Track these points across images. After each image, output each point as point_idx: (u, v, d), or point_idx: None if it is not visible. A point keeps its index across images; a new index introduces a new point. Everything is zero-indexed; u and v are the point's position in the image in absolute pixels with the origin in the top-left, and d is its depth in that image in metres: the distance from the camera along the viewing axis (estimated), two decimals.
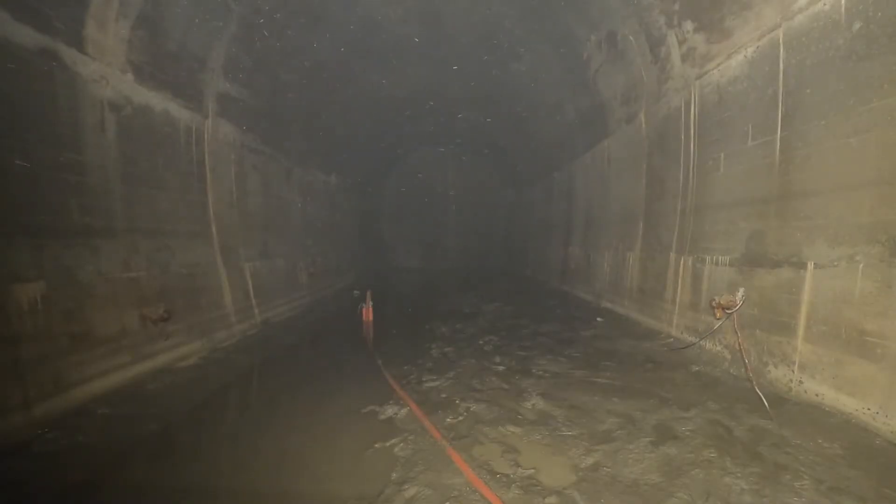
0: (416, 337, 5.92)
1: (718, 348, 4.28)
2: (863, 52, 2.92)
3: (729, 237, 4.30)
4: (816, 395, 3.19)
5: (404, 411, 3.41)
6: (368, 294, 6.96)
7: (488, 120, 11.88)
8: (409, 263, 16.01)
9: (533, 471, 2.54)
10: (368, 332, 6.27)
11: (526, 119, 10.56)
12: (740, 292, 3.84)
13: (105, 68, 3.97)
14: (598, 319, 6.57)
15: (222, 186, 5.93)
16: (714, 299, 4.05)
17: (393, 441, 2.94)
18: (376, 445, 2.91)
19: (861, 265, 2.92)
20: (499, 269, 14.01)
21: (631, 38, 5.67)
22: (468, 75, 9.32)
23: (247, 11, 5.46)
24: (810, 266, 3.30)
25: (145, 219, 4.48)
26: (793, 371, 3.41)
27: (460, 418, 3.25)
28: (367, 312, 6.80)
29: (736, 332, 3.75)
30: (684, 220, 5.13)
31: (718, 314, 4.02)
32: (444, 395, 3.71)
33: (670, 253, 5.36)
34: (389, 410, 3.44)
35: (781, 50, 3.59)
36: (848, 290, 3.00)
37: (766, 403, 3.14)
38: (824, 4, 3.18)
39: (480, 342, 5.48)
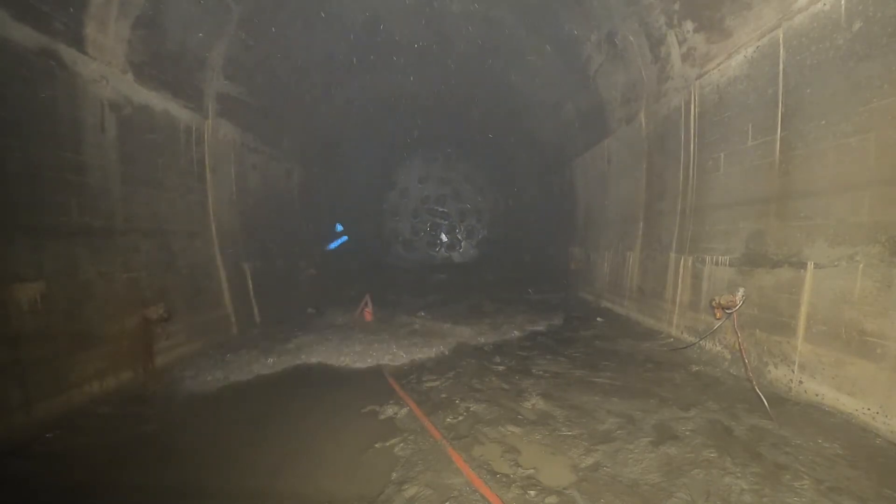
0: None
1: (718, 348, 4.29)
2: (863, 52, 2.92)
3: (729, 237, 4.30)
4: (816, 395, 3.20)
5: (404, 411, 3.41)
6: (368, 296, 6.95)
7: (488, 119, 11.87)
8: (412, 263, 15.99)
9: (533, 471, 2.54)
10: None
11: (526, 119, 10.55)
12: (740, 292, 3.84)
13: (105, 68, 3.97)
14: (598, 319, 6.57)
15: (222, 186, 5.93)
16: (714, 299, 4.05)
17: (393, 441, 2.95)
18: (376, 445, 2.91)
19: (861, 265, 2.92)
20: (498, 269, 14.02)
21: (631, 37, 5.67)
22: (468, 75, 9.32)
23: (247, 11, 5.46)
24: (810, 266, 3.30)
25: (145, 219, 4.48)
26: (793, 371, 3.41)
27: (460, 418, 3.25)
28: (367, 314, 6.81)
29: (736, 332, 3.75)
30: (684, 220, 5.13)
31: (718, 314, 4.02)
32: (443, 395, 3.71)
33: (670, 253, 5.36)
34: (389, 410, 3.44)
35: (781, 50, 3.59)
36: (848, 290, 3.00)
37: (766, 403, 3.14)
38: (824, 4, 3.18)
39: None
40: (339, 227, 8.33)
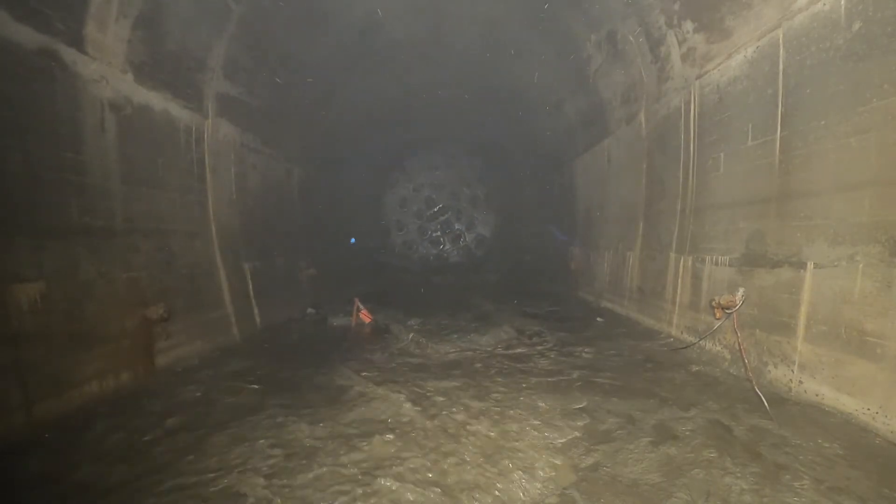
0: None
1: (718, 348, 4.29)
2: (863, 52, 2.92)
3: (729, 237, 4.30)
4: (816, 395, 3.20)
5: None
6: (356, 301, 6.93)
7: (488, 120, 11.87)
8: (411, 265, 15.98)
9: None
10: (368, 333, 6.27)
11: (525, 119, 10.55)
12: (740, 292, 3.84)
13: (105, 68, 3.96)
14: (599, 319, 6.57)
15: (222, 186, 5.93)
16: (714, 299, 4.05)
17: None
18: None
19: (861, 265, 2.92)
20: (498, 270, 14.02)
21: (631, 38, 5.67)
22: (468, 75, 9.32)
23: (247, 11, 5.45)
24: (810, 266, 3.30)
25: (145, 219, 4.48)
26: (793, 371, 3.41)
27: None
28: (364, 315, 6.82)
29: (736, 332, 3.75)
30: (684, 220, 5.13)
31: (718, 314, 4.02)
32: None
33: (670, 253, 5.36)
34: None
35: (781, 50, 3.59)
36: (848, 289, 3.00)
37: (765, 403, 3.14)
38: (824, 4, 3.18)
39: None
40: None
